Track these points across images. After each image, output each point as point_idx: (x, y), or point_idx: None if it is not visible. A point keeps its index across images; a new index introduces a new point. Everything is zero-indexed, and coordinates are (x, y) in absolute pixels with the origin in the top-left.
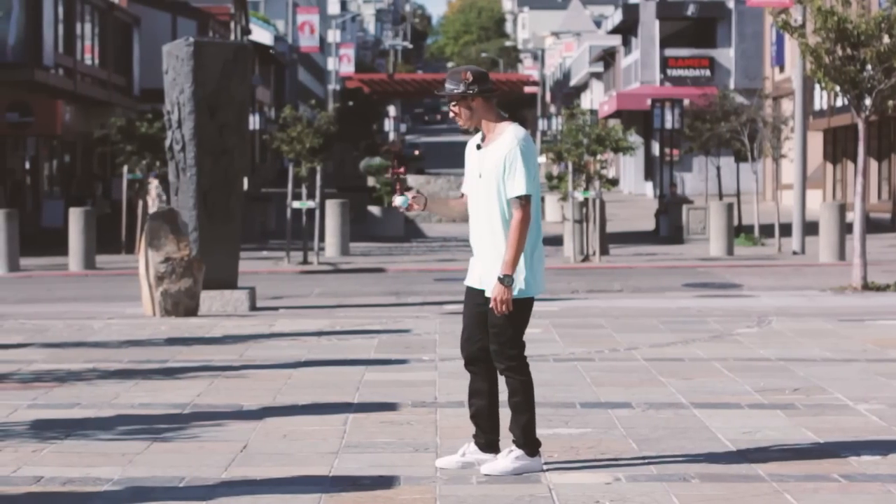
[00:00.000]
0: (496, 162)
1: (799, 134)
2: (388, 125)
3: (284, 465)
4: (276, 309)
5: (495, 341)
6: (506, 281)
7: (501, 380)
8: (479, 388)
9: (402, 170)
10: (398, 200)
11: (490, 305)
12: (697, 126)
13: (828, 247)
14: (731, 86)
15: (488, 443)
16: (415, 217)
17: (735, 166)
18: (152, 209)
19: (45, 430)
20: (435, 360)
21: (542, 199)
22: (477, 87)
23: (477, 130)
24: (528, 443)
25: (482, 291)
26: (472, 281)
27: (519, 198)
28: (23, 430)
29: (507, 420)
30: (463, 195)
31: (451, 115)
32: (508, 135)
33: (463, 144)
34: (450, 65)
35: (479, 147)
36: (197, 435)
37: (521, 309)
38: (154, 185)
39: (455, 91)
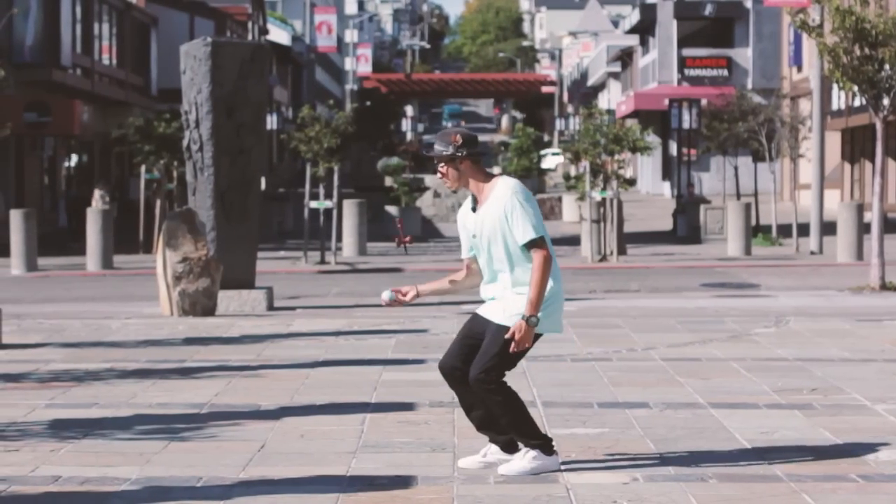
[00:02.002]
0: (495, 218)
1: (817, 134)
2: (406, 125)
3: (302, 464)
4: (293, 309)
5: (478, 366)
6: (531, 321)
7: None
8: (470, 401)
9: (408, 239)
10: (385, 295)
11: (506, 336)
12: (715, 126)
13: (845, 247)
14: (749, 85)
15: (506, 444)
16: (432, 217)
17: (753, 166)
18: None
19: (62, 429)
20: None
21: (560, 200)
22: (465, 150)
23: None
24: (539, 444)
25: (485, 321)
26: (481, 309)
27: (533, 241)
28: (41, 429)
29: None
30: (464, 262)
31: (439, 175)
32: (501, 189)
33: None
34: (468, 65)
35: (473, 210)
36: (214, 435)
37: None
38: (98, 189)
39: (444, 153)
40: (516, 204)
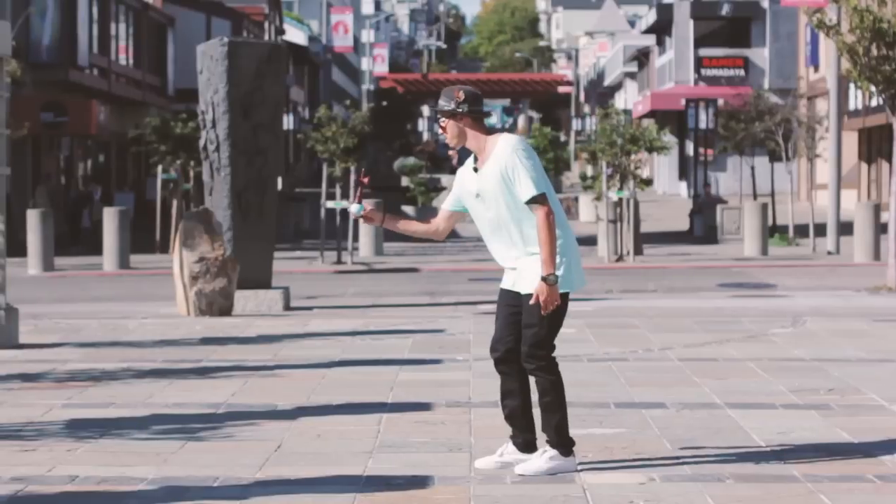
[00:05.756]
0: (497, 176)
1: (834, 134)
2: (422, 125)
3: (318, 464)
4: (310, 309)
5: (528, 342)
6: (549, 279)
7: (532, 378)
8: (510, 388)
9: (366, 179)
10: (353, 208)
11: (531, 302)
12: (732, 126)
13: (862, 247)
14: (766, 85)
15: (526, 442)
16: None
17: (769, 166)
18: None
19: (79, 429)
20: (469, 360)
21: (576, 200)
22: (467, 106)
23: (466, 152)
24: (562, 442)
25: (515, 293)
26: (505, 284)
27: (534, 198)
28: (57, 429)
29: (541, 420)
30: (440, 212)
31: (440, 130)
32: (501, 146)
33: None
34: (484, 65)
35: (475, 170)
36: (231, 434)
37: (557, 307)
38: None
39: (446, 108)
40: (516, 160)
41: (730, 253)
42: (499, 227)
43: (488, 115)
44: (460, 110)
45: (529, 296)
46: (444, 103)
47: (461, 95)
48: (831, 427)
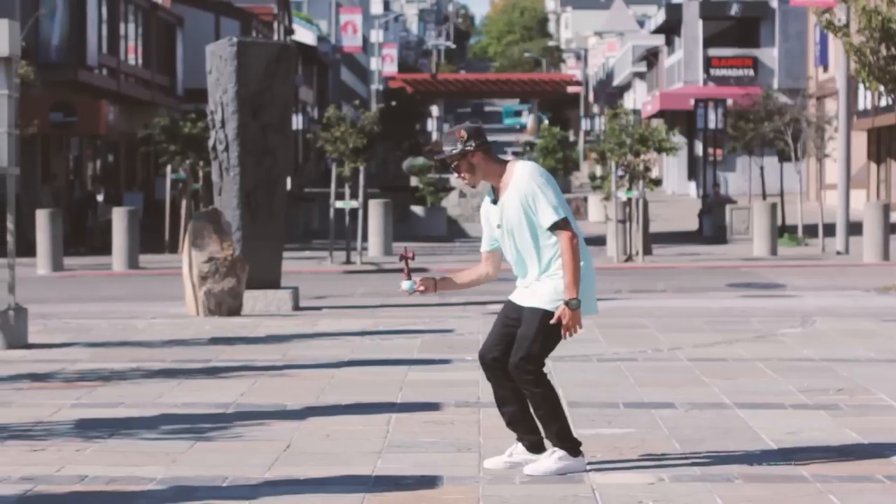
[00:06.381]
0: (517, 204)
1: (843, 134)
2: (432, 125)
3: (328, 464)
4: (319, 309)
5: (519, 352)
6: (572, 304)
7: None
8: (504, 395)
9: (410, 254)
10: (405, 285)
11: (552, 322)
12: (741, 126)
13: (872, 247)
14: (775, 85)
15: (533, 444)
16: (458, 217)
17: (779, 166)
18: None
19: (88, 429)
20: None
21: (585, 200)
22: (473, 142)
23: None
24: (568, 447)
25: (518, 306)
26: (513, 296)
27: (556, 224)
28: (67, 429)
29: (542, 429)
30: (482, 254)
31: (456, 176)
32: (518, 174)
33: (505, 143)
34: (493, 65)
35: (495, 202)
36: (240, 434)
37: (556, 326)
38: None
39: (454, 152)
40: (535, 188)
41: (739, 253)
42: (522, 254)
43: (493, 143)
44: (469, 148)
45: (531, 309)
46: (450, 148)
47: (464, 134)
48: (840, 427)
